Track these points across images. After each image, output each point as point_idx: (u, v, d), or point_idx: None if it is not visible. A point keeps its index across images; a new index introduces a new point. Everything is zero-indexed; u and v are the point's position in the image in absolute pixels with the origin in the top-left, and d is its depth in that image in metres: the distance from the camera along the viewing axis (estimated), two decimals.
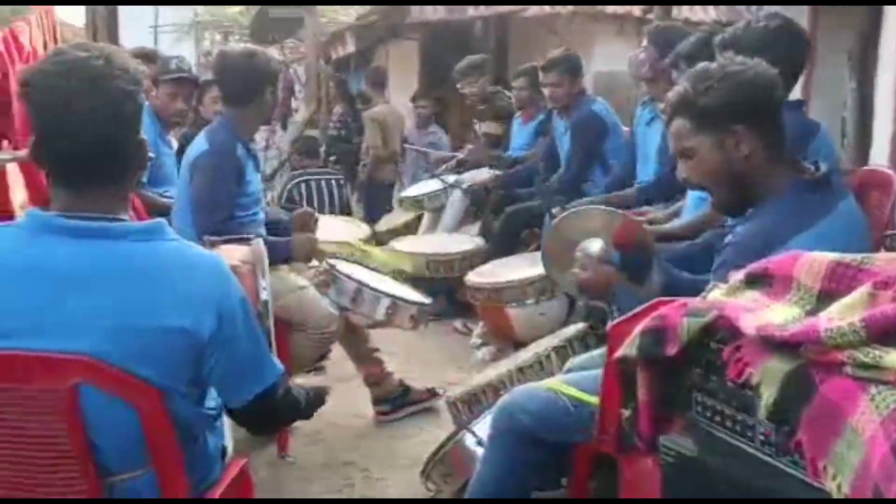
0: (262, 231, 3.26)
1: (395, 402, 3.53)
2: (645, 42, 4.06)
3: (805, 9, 4.94)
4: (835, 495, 1.22)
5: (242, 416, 1.75)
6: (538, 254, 4.47)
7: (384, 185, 7.51)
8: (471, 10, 8.02)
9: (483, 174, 5.63)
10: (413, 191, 6.01)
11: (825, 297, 1.36)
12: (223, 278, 1.63)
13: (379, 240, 5.35)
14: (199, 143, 3.23)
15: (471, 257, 4.65)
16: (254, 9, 18.77)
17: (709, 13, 7.90)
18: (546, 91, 4.77)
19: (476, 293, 4.18)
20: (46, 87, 1.52)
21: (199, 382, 1.66)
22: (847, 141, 5.06)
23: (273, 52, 12.68)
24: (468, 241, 4.88)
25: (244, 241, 2.39)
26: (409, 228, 5.98)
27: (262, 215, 3.38)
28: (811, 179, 1.92)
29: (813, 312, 1.35)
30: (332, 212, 6.69)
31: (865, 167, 3.56)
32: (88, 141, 1.51)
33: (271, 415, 1.81)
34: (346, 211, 6.91)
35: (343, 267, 3.25)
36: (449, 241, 4.99)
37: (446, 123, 8.29)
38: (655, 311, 1.89)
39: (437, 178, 5.87)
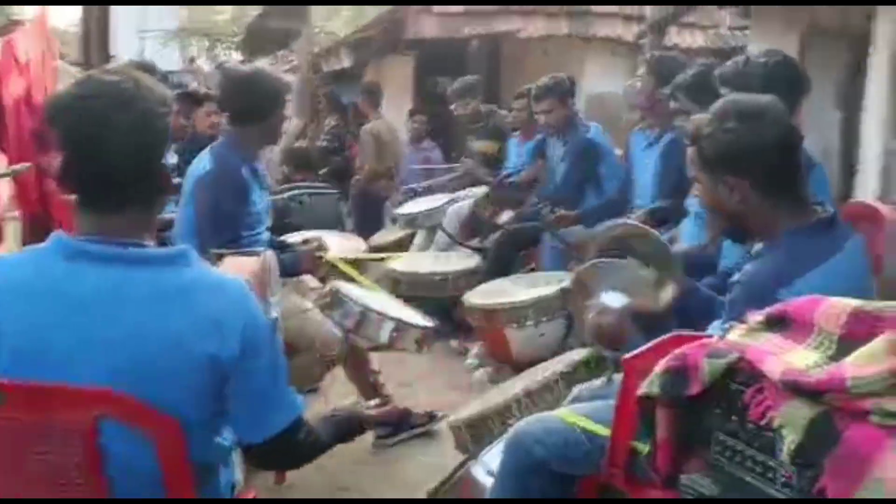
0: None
1: (395, 426, 3.53)
2: (642, 70, 4.13)
3: (795, 39, 5.02)
4: None
5: (259, 453, 1.71)
6: (536, 274, 4.53)
7: (377, 200, 7.52)
8: (466, 29, 8.08)
9: (480, 192, 5.67)
10: (408, 208, 6.03)
11: (846, 342, 1.39)
12: (249, 305, 1.61)
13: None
14: (204, 162, 3.22)
15: (468, 276, 4.65)
16: (244, 17, 18.83)
17: (696, 39, 8.01)
18: (540, 118, 4.83)
19: (475, 314, 4.20)
20: (78, 110, 1.52)
21: (219, 413, 1.64)
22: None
23: (265, 62, 12.74)
24: (465, 260, 4.90)
25: (253, 253, 2.38)
26: (402, 246, 6.00)
27: (266, 235, 3.39)
28: (819, 220, 1.96)
29: (835, 358, 1.39)
30: (325, 227, 6.68)
31: (853, 200, 3.62)
32: (120, 163, 1.52)
33: (290, 454, 1.76)
34: (339, 225, 6.91)
35: (348, 289, 3.26)
36: (446, 259, 5.00)
37: (440, 139, 8.33)
38: (674, 348, 1.94)
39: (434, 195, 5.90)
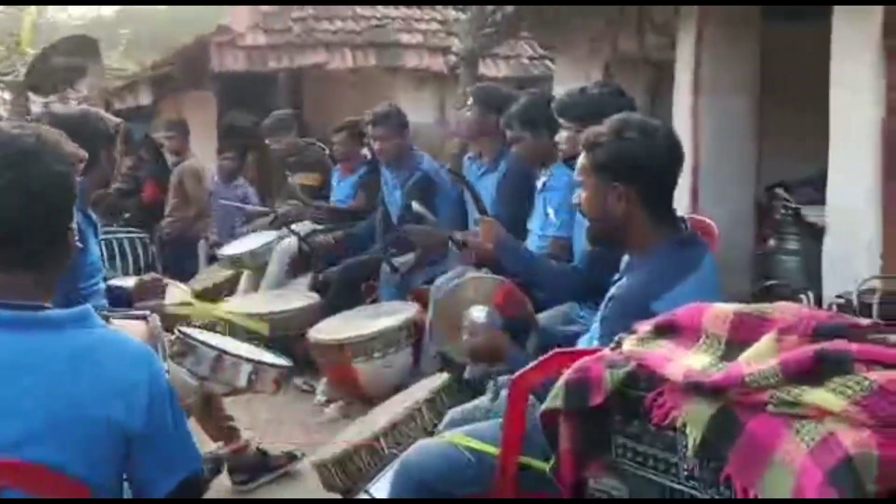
0: (104, 301, 3.11)
1: (254, 470, 3.44)
2: (469, 101, 4.30)
3: (599, 66, 5.41)
4: None
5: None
6: (379, 306, 4.57)
7: (191, 242, 7.27)
8: (272, 63, 8.02)
9: (306, 227, 5.65)
10: (231, 249, 5.90)
11: (733, 344, 1.55)
12: (152, 365, 1.58)
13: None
14: None
15: (308, 313, 4.62)
16: (12, 56, 17.59)
17: (501, 69, 8.39)
18: (375, 145, 4.89)
19: (320, 350, 4.18)
20: None
21: (124, 473, 1.58)
22: None
23: (46, 100, 11.99)
24: (303, 296, 4.86)
25: (139, 317, 2.29)
26: (228, 287, 5.86)
27: (103, 284, 3.22)
28: (682, 236, 2.15)
29: (725, 359, 1.54)
30: (137, 272, 6.39)
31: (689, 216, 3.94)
32: (6, 220, 1.45)
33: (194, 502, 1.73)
34: (151, 270, 6.62)
35: (196, 334, 3.16)
36: (282, 298, 4.94)
37: (252, 176, 8.20)
38: (557, 365, 2.05)
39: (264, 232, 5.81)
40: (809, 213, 4.27)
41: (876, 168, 2.63)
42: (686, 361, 1.56)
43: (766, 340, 1.47)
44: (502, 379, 2.69)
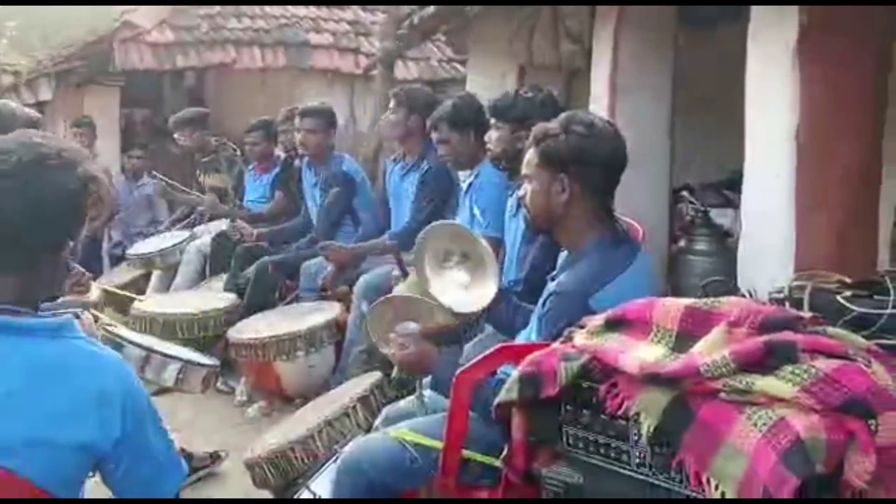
0: None
1: None
2: (392, 104, 4.32)
3: (514, 71, 5.51)
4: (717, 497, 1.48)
5: None
6: (298, 306, 4.55)
7: (93, 242, 7.03)
8: (179, 60, 7.82)
9: (221, 226, 5.56)
10: (142, 248, 5.75)
11: (683, 336, 1.64)
12: (129, 379, 1.55)
13: (107, 301, 5.03)
14: None
15: (226, 314, 4.55)
16: None
17: (411, 71, 8.43)
18: (299, 136, 4.85)
19: (240, 350, 4.13)
20: None
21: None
22: None
23: None
24: (220, 297, 4.78)
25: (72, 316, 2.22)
26: (137, 287, 5.70)
27: None
28: (617, 235, 2.24)
29: (676, 350, 1.62)
30: None
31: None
32: (5, 222, 1.43)
33: None
34: None
35: (125, 332, 3.09)
36: (198, 298, 4.84)
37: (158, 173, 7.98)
38: (501, 360, 2.11)
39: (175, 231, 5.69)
40: (716, 216, 4.49)
41: (790, 172, 2.77)
42: (639, 353, 1.64)
43: (716, 332, 1.57)
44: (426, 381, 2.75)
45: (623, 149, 2.23)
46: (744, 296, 2.55)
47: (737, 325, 1.56)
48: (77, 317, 2.23)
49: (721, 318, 1.59)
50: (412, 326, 2.54)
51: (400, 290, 3.19)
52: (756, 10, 2.99)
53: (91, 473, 1.53)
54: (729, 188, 4.89)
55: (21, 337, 1.45)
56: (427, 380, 2.59)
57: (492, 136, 3.15)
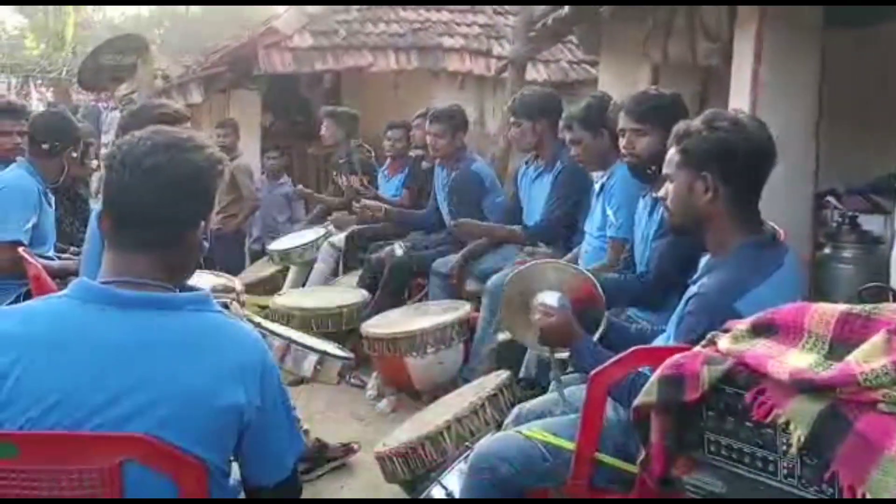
0: None
1: (313, 460, 3.48)
2: (511, 118, 4.33)
3: (647, 71, 5.41)
4: None
5: (267, 494, 1.68)
6: (428, 303, 4.60)
7: (237, 237, 7.34)
8: (318, 64, 8.07)
9: (352, 225, 5.73)
10: (281, 244, 5.96)
11: (838, 343, 1.56)
12: (265, 354, 1.63)
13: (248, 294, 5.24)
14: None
15: (358, 309, 4.67)
16: (55, 53, 17.85)
17: (541, 73, 8.41)
18: (428, 139, 4.94)
19: (373, 344, 4.21)
20: (126, 146, 1.58)
21: (235, 457, 1.63)
22: None
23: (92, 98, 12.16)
24: (352, 293, 4.90)
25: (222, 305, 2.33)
26: (275, 282, 5.92)
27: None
28: (765, 237, 2.15)
29: (830, 358, 1.55)
30: None
31: None
32: (146, 200, 1.55)
33: (292, 493, 1.75)
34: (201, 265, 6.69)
35: (266, 323, 3.21)
36: (332, 293, 4.99)
37: (294, 174, 8.28)
38: (637, 362, 2.08)
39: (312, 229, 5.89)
40: (865, 222, 4.27)
41: None
42: (789, 360, 1.57)
43: (877, 339, 1.48)
44: (565, 377, 2.73)
45: (770, 146, 2.13)
46: None
47: None
48: (226, 306, 2.35)
49: (881, 324, 1.51)
50: (558, 294, 2.49)
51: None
52: None
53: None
54: (877, 193, 4.65)
55: (166, 311, 1.54)
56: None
57: (638, 142, 3.04)
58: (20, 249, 3.47)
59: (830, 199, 4.70)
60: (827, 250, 4.18)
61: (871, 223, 4.38)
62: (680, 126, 2.18)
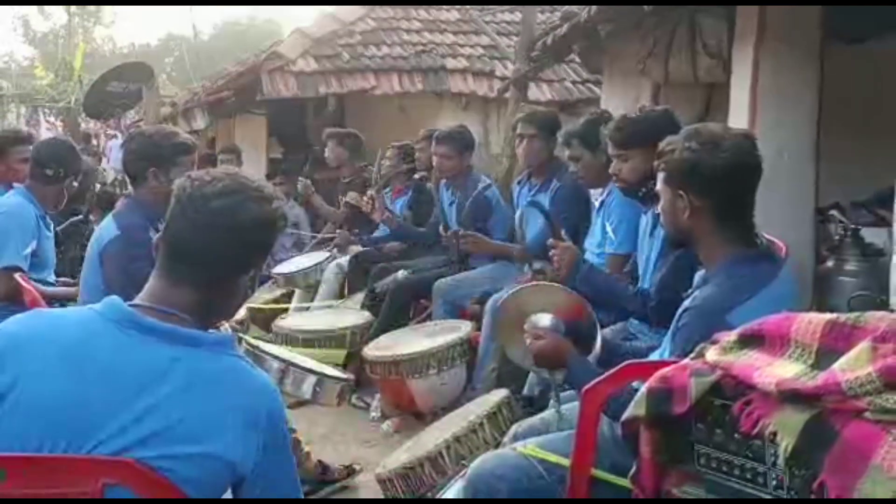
0: None
1: (314, 482, 3.47)
2: (520, 130, 4.34)
3: (648, 89, 5.43)
4: None
5: None
6: (431, 325, 4.60)
7: None
8: (322, 88, 8.13)
9: (358, 248, 5.74)
10: (285, 268, 5.97)
11: (825, 352, 1.55)
12: (276, 402, 1.63)
13: (252, 317, 5.26)
14: (111, 230, 3.11)
15: (361, 331, 4.67)
16: (63, 83, 18.08)
17: (545, 93, 8.44)
18: (435, 160, 4.97)
19: (376, 366, 4.21)
20: (197, 182, 1.60)
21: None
22: None
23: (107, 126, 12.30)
24: (356, 315, 4.91)
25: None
26: (280, 305, 5.93)
27: None
28: (757, 251, 2.15)
29: (816, 367, 1.54)
30: None
31: None
32: (201, 238, 1.57)
33: None
34: None
35: (265, 346, 3.21)
36: (335, 316, 4.99)
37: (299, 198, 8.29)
38: (629, 377, 2.07)
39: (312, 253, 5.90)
40: (868, 235, 4.25)
41: None
42: (776, 370, 1.56)
43: (860, 348, 1.48)
44: (564, 395, 2.71)
45: (750, 160, 2.12)
46: (892, 311, 2.39)
47: (883, 340, 1.47)
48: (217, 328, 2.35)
49: (866, 333, 1.50)
50: (547, 316, 2.50)
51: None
52: None
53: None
54: (882, 205, 4.63)
55: (185, 347, 1.55)
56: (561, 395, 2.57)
57: (622, 166, 3.05)
58: (17, 276, 3.48)
59: (834, 212, 4.68)
60: (830, 263, 4.15)
61: (875, 236, 4.36)
62: (662, 144, 2.19)
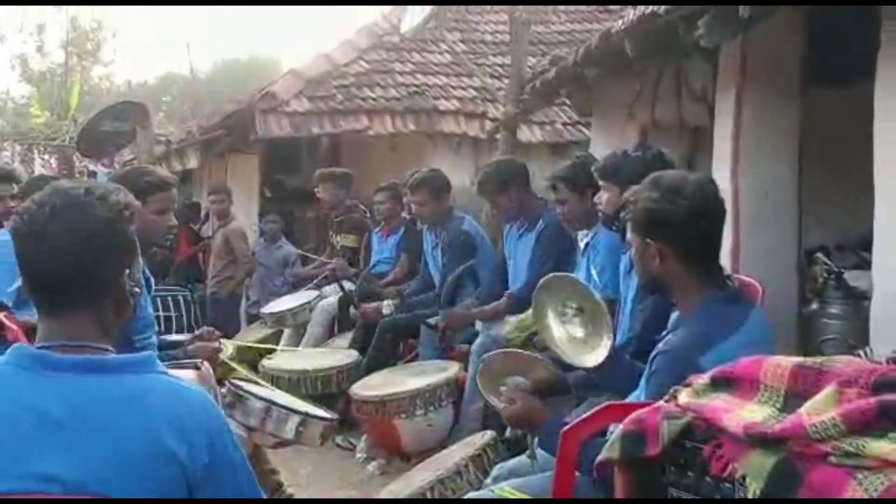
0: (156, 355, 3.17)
1: None
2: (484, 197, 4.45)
3: (635, 132, 5.50)
4: None
5: None
6: (418, 365, 4.61)
7: (231, 300, 7.38)
8: (315, 128, 8.20)
9: (350, 286, 5.75)
10: (274, 307, 5.99)
11: (792, 396, 1.57)
12: (215, 412, 1.61)
13: (240, 356, 5.25)
14: None
15: (347, 371, 4.68)
16: (59, 122, 18.18)
17: (535, 134, 8.53)
18: (413, 209, 5.00)
19: (363, 406, 4.21)
20: (27, 216, 1.56)
21: None
22: None
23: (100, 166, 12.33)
24: (343, 354, 4.91)
25: (190, 366, 2.36)
26: (268, 344, 5.92)
27: (155, 339, 3.29)
28: (728, 293, 2.18)
29: (784, 411, 1.56)
30: (180, 329, 6.53)
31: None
32: (59, 265, 1.53)
33: None
34: (195, 328, 6.73)
35: (248, 386, 3.22)
36: (323, 355, 4.99)
37: (293, 237, 8.33)
38: (609, 418, 2.08)
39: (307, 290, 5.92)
40: (852, 278, 4.28)
41: None
42: (745, 413, 1.58)
43: (826, 392, 1.49)
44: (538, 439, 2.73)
45: (712, 204, 2.16)
46: (858, 355, 2.41)
47: (848, 384, 1.48)
48: (197, 367, 2.36)
49: (832, 377, 1.52)
50: (520, 380, 2.56)
51: (506, 330, 3.23)
52: (882, 70, 2.90)
53: None
54: (866, 249, 4.67)
55: (103, 374, 1.53)
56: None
57: (602, 197, 3.13)
58: (1, 315, 3.47)
59: (819, 255, 4.71)
60: (814, 306, 4.18)
61: (859, 279, 4.39)
62: (626, 194, 2.24)
